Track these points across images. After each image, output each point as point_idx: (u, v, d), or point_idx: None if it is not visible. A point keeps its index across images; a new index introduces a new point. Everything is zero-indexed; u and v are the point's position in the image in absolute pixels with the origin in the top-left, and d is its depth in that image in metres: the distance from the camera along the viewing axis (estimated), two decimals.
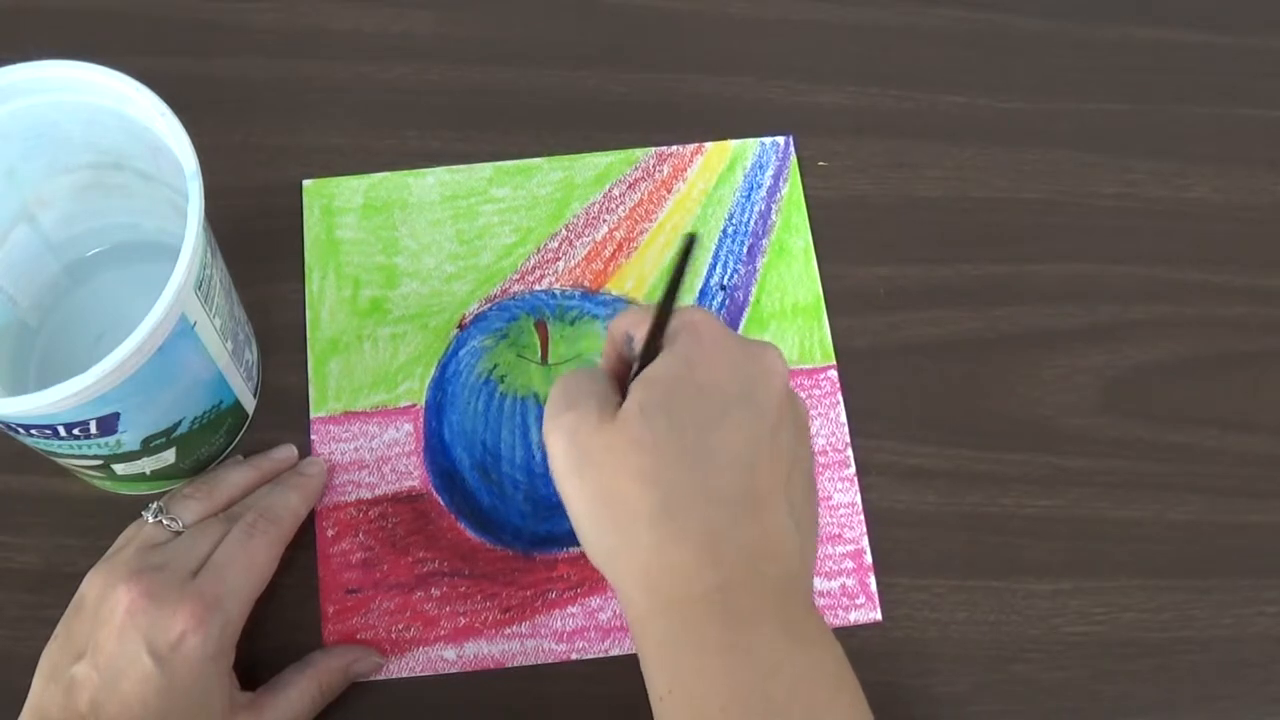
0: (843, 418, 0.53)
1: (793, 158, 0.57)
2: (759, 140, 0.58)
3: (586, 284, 0.55)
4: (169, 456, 0.47)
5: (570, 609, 0.49)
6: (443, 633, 0.49)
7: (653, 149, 0.57)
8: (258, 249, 0.54)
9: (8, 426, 0.42)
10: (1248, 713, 0.49)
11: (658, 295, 0.40)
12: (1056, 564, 0.51)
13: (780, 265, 0.55)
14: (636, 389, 0.38)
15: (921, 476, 0.52)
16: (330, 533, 0.50)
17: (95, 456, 0.44)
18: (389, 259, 0.55)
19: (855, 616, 0.50)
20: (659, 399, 0.38)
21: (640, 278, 0.55)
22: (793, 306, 0.55)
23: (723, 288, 0.55)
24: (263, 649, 0.47)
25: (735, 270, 0.55)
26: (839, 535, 0.51)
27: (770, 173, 0.57)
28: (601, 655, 0.49)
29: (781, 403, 0.39)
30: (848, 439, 0.52)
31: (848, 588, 0.50)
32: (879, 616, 0.50)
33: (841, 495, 0.51)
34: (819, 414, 0.53)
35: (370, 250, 0.55)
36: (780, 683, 0.36)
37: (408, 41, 0.60)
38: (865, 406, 0.53)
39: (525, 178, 0.57)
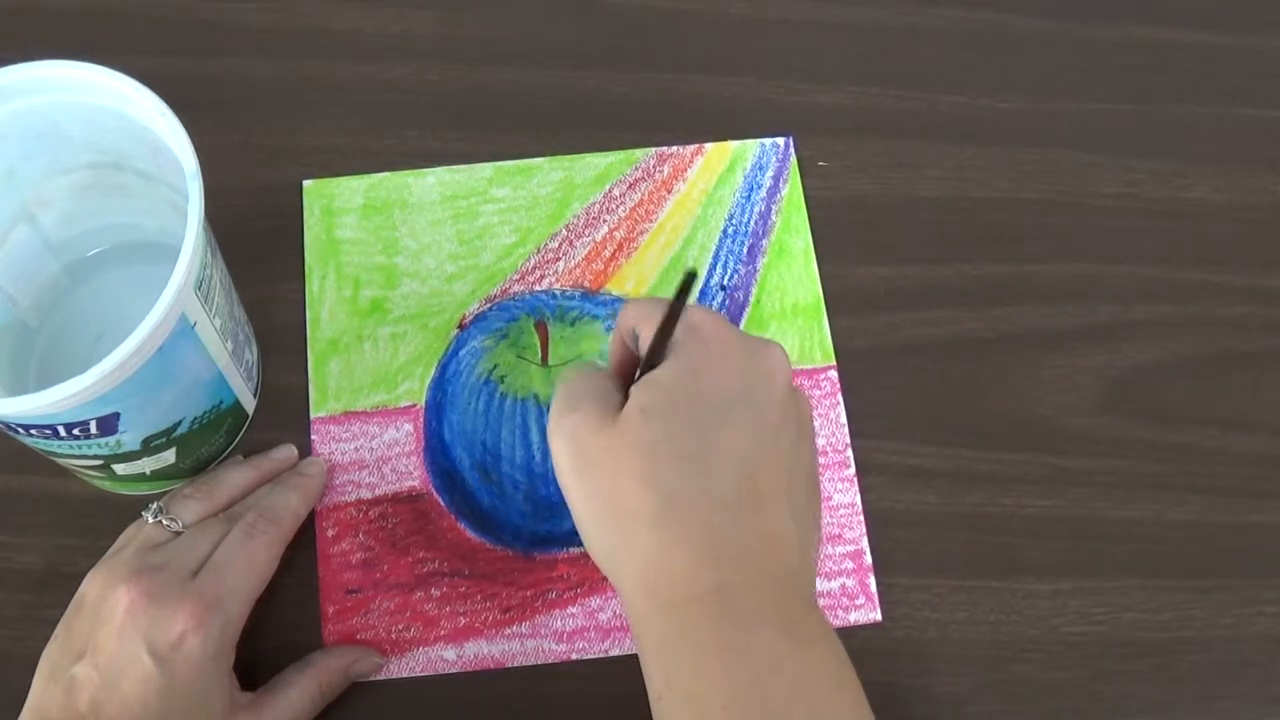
0: (843, 418, 0.53)
1: (793, 158, 0.57)
2: (759, 141, 0.58)
3: (586, 284, 0.55)
4: (169, 456, 0.47)
5: (570, 609, 0.49)
6: (443, 633, 0.49)
7: (653, 149, 0.57)
8: (258, 249, 0.54)
9: (8, 426, 0.42)
10: (1248, 713, 0.49)
11: (658, 319, 0.39)
12: (1056, 564, 0.51)
13: (780, 265, 0.55)
14: (638, 391, 0.38)
15: (921, 477, 0.52)
16: (330, 533, 0.50)
17: (95, 456, 0.44)
18: (389, 259, 0.55)
19: (855, 617, 0.50)
20: (660, 402, 0.38)
21: (640, 278, 0.55)
22: (793, 307, 0.55)
23: (723, 288, 0.55)
24: (263, 649, 0.47)
25: (735, 270, 0.55)
26: (839, 535, 0.51)
27: (770, 173, 0.57)
28: (601, 655, 0.49)
29: (783, 402, 0.39)
30: (848, 439, 0.52)
31: (848, 588, 0.50)
32: (879, 617, 0.50)
33: (841, 495, 0.51)
34: (819, 414, 0.53)
35: (370, 250, 0.55)
36: (780, 683, 0.36)
37: (408, 41, 0.60)
38: (865, 407, 0.53)
39: (525, 178, 0.57)
